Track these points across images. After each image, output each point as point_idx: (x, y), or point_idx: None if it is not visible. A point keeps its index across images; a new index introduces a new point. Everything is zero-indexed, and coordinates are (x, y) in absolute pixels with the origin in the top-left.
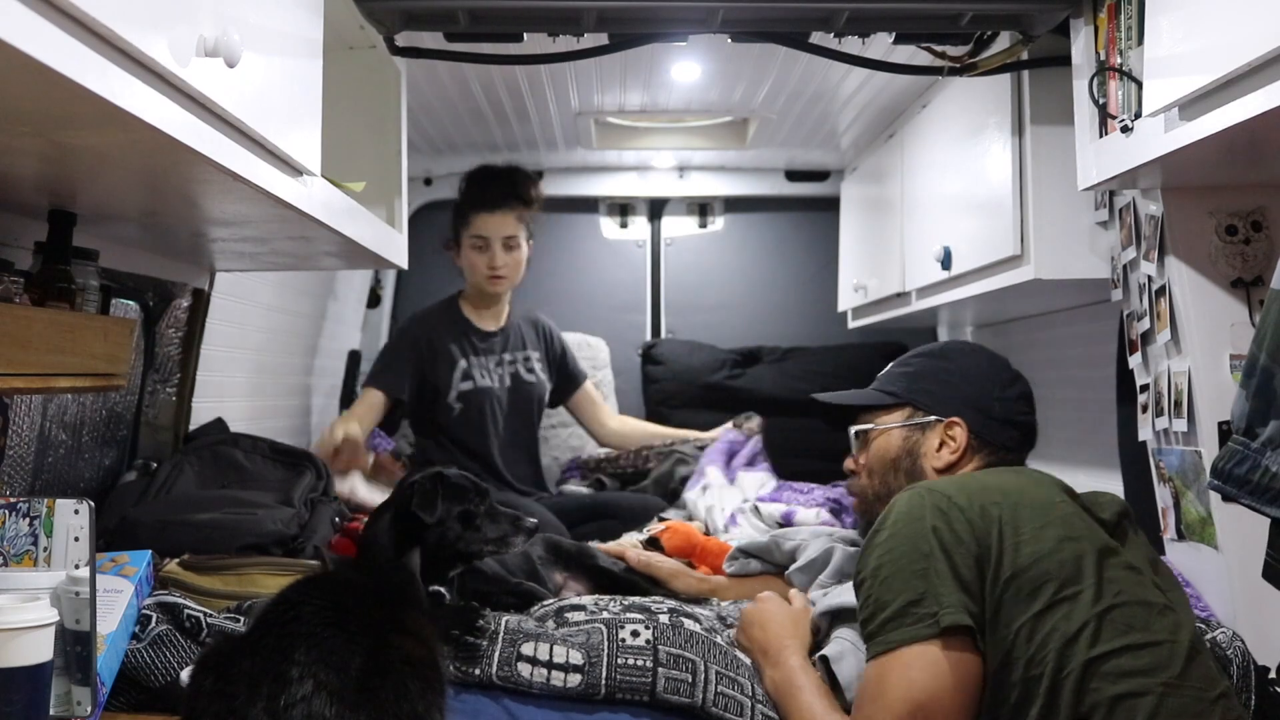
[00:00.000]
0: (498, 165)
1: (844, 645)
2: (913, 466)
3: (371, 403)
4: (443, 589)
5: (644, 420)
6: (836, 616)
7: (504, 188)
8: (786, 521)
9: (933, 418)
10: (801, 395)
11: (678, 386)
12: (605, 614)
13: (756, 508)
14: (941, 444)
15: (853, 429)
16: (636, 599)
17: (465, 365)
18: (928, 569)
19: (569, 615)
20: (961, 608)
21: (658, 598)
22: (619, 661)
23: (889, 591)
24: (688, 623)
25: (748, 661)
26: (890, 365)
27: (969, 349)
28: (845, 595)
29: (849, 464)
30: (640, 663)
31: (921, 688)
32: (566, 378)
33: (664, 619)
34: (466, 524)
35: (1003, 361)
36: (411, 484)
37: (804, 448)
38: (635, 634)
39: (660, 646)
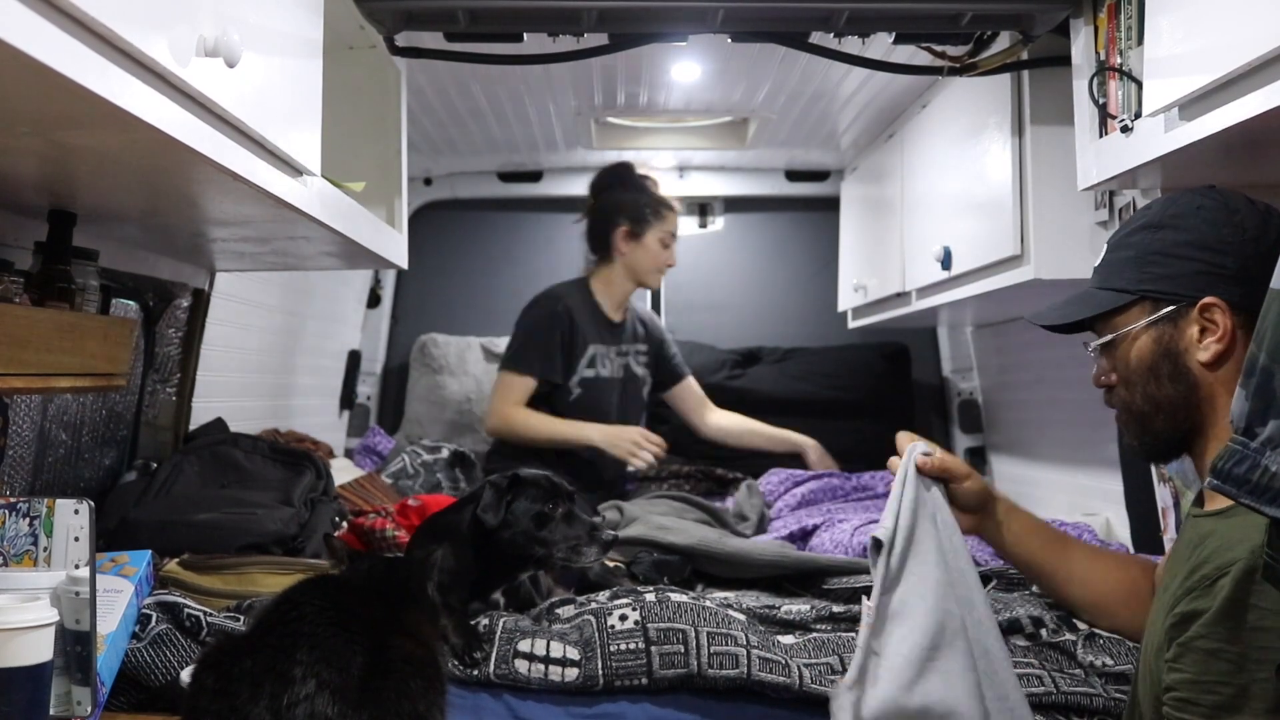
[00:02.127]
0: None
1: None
2: (1176, 369)
3: (529, 388)
4: (500, 596)
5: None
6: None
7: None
8: None
9: (1180, 304)
10: (802, 396)
11: None
12: (594, 604)
13: None
14: (1203, 331)
15: (1089, 346)
16: (620, 588)
17: (593, 352)
18: None
19: (559, 611)
20: None
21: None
22: (612, 649)
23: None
24: (675, 596)
25: (740, 617)
26: (1107, 251)
27: (1189, 202)
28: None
29: (1098, 378)
30: (633, 646)
31: None
32: (670, 371)
33: (650, 597)
34: (540, 527)
35: (1240, 201)
36: (486, 482)
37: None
38: (624, 617)
39: (650, 624)
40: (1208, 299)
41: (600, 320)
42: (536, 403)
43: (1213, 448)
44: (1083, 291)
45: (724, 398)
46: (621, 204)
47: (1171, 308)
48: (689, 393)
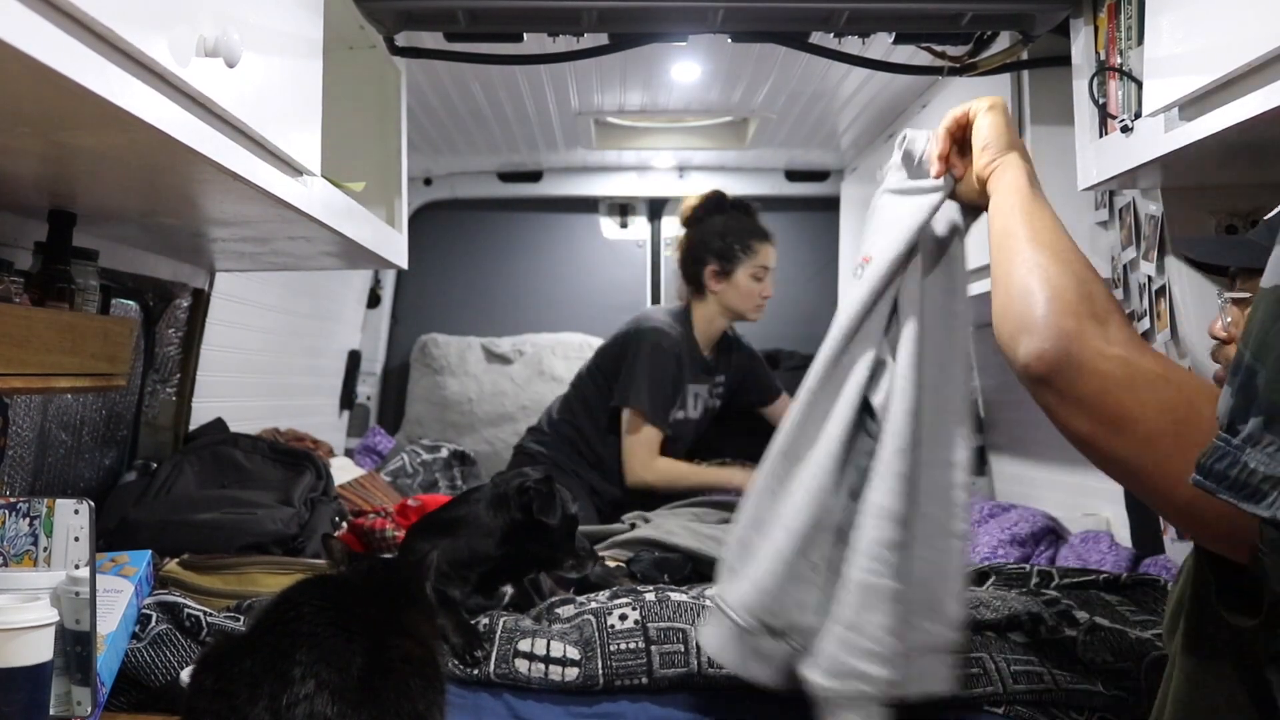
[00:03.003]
0: (735, 197)
1: None
2: None
3: (661, 436)
4: (509, 588)
5: None
6: None
7: (763, 223)
8: None
9: None
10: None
11: None
12: (593, 604)
13: None
14: None
15: (1224, 296)
16: (620, 588)
17: (689, 393)
18: None
19: (559, 611)
20: None
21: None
22: (612, 649)
23: None
24: (674, 595)
25: None
26: (1276, 213)
27: None
28: None
29: (1217, 329)
30: (633, 646)
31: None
32: (766, 388)
33: (650, 596)
34: (570, 533)
35: None
36: (525, 486)
37: None
38: (623, 617)
39: (650, 624)
40: None
41: (697, 358)
42: (609, 424)
43: None
44: (1245, 239)
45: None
46: (709, 239)
47: None
48: (783, 412)
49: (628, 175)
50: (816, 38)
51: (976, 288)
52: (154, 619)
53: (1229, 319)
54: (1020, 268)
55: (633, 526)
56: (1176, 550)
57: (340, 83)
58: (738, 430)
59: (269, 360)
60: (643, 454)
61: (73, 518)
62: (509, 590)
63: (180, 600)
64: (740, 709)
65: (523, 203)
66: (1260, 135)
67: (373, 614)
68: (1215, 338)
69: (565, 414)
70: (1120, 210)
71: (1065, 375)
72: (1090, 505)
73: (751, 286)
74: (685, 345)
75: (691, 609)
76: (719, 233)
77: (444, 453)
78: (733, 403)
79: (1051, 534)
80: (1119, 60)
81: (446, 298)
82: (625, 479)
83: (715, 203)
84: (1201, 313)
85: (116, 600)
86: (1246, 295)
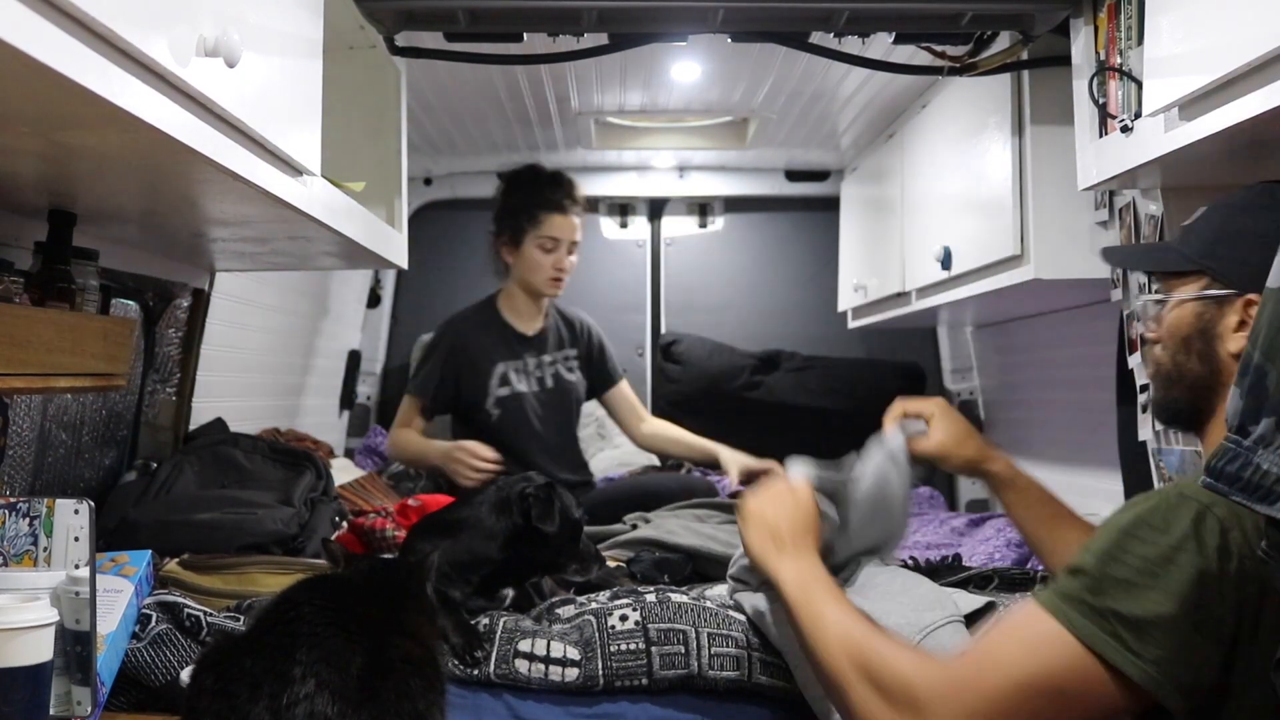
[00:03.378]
0: (552, 170)
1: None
2: (1206, 348)
3: (416, 409)
4: (510, 591)
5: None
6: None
7: (572, 193)
8: None
9: (1231, 291)
10: (818, 407)
11: (694, 390)
12: (594, 604)
13: None
14: (1241, 324)
15: (1142, 299)
16: (620, 589)
17: (503, 371)
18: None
19: (559, 611)
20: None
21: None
22: (612, 649)
23: (1119, 587)
24: (675, 596)
25: (741, 618)
26: (1203, 211)
27: (1263, 203)
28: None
29: (1148, 330)
30: (633, 647)
31: (1049, 680)
32: (604, 375)
33: (650, 597)
34: (575, 538)
35: None
36: (525, 493)
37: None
38: (624, 618)
39: (650, 625)
40: (1253, 295)
41: (509, 336)
42: (460, 423)
43: (1215, 436)
44: (1162, 244)
45: (740, 407)
46: (501, 214)
47: (1222, 291)
48: (621, 398)
49: (628, 175)
50: (816, 38)
51: (977, 288)
52: (154, 619)
53: (1152, 319)
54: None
55: (634, 527)
56: None
57: (340, 83)
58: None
59: (269, 360)
60: (395, 425)
61: (73, 518)
62: (510, 593)
63: (180, 600)
64: (741, 711)
65: None
66: (1260, 135)
67: (373, 614)
68: (1143, 338)
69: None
70: (1120, 210)
71: None
72: (1090, 505)
73: (540, 258)
74: (477, 326)
75: (692, 610)
76: (510, 206)
77: None
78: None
79: None
80: (1119, 60)
81: (446, 298)
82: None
83: (515, 175)
84: None
85: (116, 600)
86: (1161, 297)
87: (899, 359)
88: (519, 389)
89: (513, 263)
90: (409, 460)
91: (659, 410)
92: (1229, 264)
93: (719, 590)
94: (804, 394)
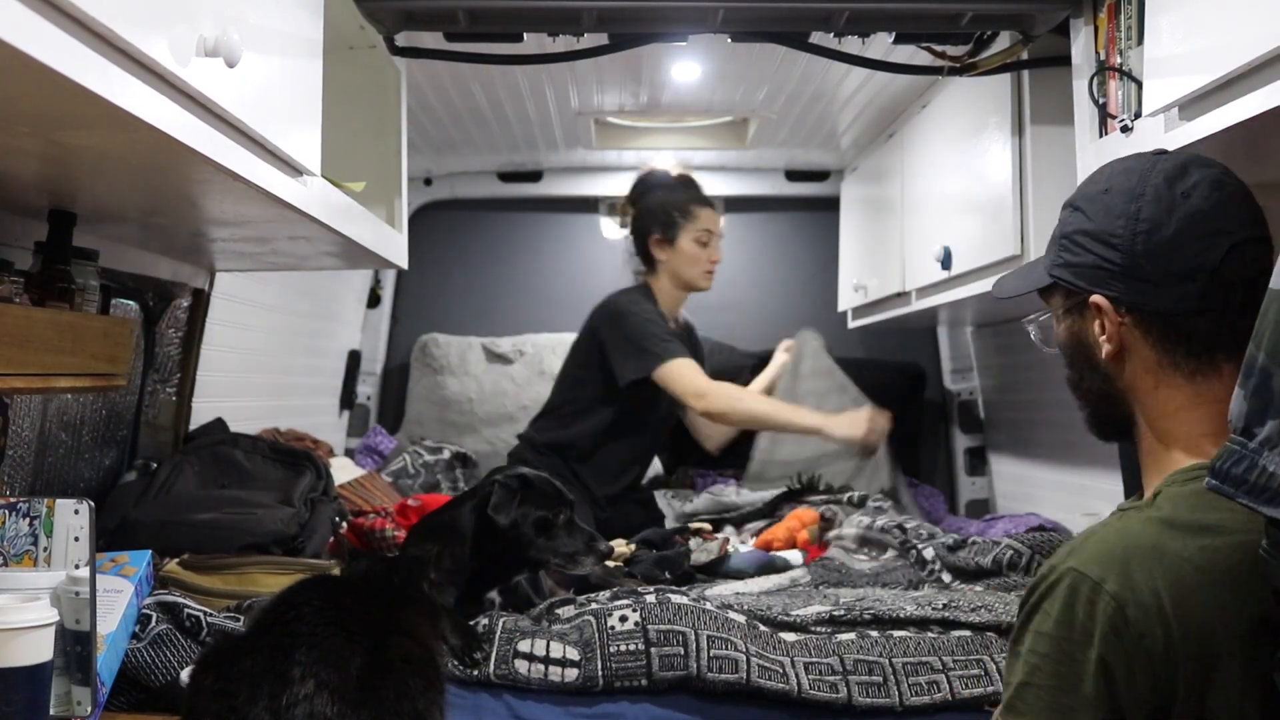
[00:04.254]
0: (684, 173)
1: None
2: (1090, 361)
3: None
4: (496, 596)
5: None
6: None
7: (705, 192)
8: None
9: (1081, 297)
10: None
11: None
12: (594, 605)
13: None
14: (1101, 328)
15: (1024, 320)
16: (623, 588)
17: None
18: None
19: (559, 611)
20: None
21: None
22: (612, 650)
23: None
24: (675, 597)
25: (740, 620)
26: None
27: (1106, 180)
28: None
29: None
30: (632, 647)
31: None
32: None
33: (650, 598)
34: (541, 532)
35: (1154, 181)
36: (493, 482)
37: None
38: (624, 619)
39: (650, 626)
40: (1094, 298)
41: (666, 326)
42: (601, 399)
43: (1145, 439)
44: (1034, 262)
45: None
46: (650, 211)
47: (1076, 299)
48: None
49: (628, 175)
50: (816, 38)
51: (977, 288)
52: (154, 619)
53: (1040, 339)
54: None
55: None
56: None
57: (340, 83)
58: None
59: (269, 360)
60: (697, 383)
61: (73, 518)
62: (496, 599)
63: (180, 600)
64: (740, 712)
65: (523, 203)
66: (1260, 135)
67: (372, 614)
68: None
69: (546, 427)
70: None
71: None
72: (1090, 505)
73: (697, 251)
74: (659, 314)
75: (692, 612)
76: (659, 203)
77: (446, 454)
78: None
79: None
80: (1119, 60)
81: (446, 298)
82: (700, 434)
83: (651, 176)
84: None
85: (116, 600)
86: (1042, 317)
87: (899, 359)
88: None
89: (665, 259)
90: (770, 423)
91: None
92: (1070, 269)
93: (719, 590)
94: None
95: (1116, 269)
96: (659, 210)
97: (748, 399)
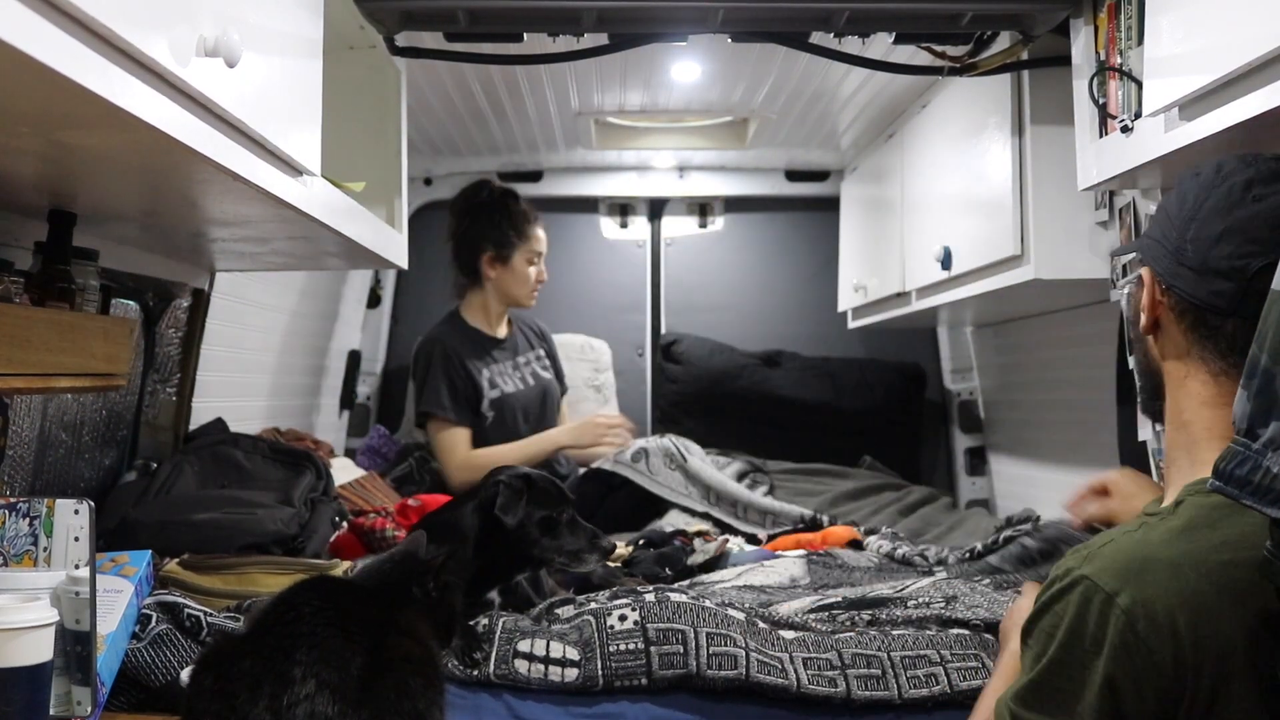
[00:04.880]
0: (501, 187)
1: None
2: (1136, 330)
3: (463, 428)
4: (496, 595)
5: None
6: None
7: (531, 208)
8: None
9: (1142, 270)
10: (822, 403)
11: (695, 391)
12: (593, 604)
13: None
14: (1152, 301)
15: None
16: (620, 588)
17: (489, 375)
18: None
19: (559, 611)
20: None
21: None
22: (611, 650)
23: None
24: (674, 595)
25: (740, 617)
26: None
27: (1213, 164)
28: None
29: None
30: (632, 647)
31: None
32: (559, 380)
33: (649, 597)
34: (546, 531)
35: (1247, 170)
36: (497, 482)
37: (819, 459)
38: (623, 618)
39: (649, 624)
40: (1144, 269)
41: (483, 342)
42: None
43: (1169, 429)
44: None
45: (742, 402)
46: (484, 229)
47: (1142, 271)
48: (564, 411)
49: (628, 175)
50: (816, 38)
51: (977, 288)
52: (154, 619)
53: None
54: None
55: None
56: None
57: (340, 83)
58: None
59: (269, 360)
60: (454, 459)
61: (73, 518)
62: (497, 598)
63: (180, 600)
64: (739, 711)
65: None
66: (1260, 135)
67: (372, 614)
68: None
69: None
70: (1120, 210)
71: None
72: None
73: (528, 271)
74: (457, 339)
75: (691, 610)
76: (494, 221)
77: None
78: None
79: None
80: (1119, 60)
81: (446, 298)
82: (449, 486)
83: (483, 191)
84: None
85: (116, 600)
86: (1121, 286)
87: (899, 359)
88: (506, 390)
89: (495, 276)
90: (529, 460)
91: (660, 410)
92: (1144, 243)
93: (719, 575)
94: (805, 393)
95: (1169, 248)
96: (492, 228)
97: (483, 460)
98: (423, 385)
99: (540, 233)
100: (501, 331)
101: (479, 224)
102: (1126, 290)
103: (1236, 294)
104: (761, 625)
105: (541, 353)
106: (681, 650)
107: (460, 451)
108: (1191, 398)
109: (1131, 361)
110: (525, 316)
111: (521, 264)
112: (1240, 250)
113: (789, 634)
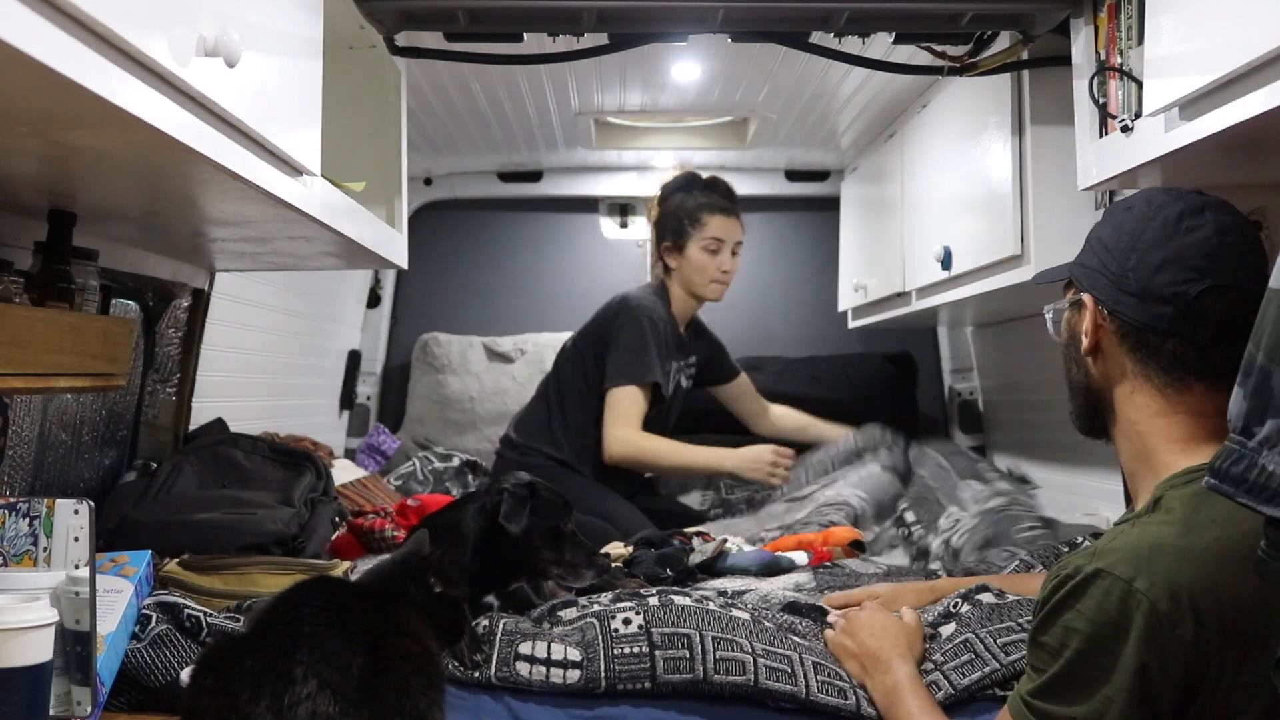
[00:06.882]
0: (712, 175)
1: None
2: (1077, 356)
3: (646, 399)
4: (494, 599)
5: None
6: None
7: (729, 194)
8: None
9: (1081, 295)
10: (813, 396)
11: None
12: (596, 606)
13: None
14: (1094, 326)
15: (1045, 311)
16: (625, 590)
17: (668, 369)
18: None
19: (561, 613)
20: None
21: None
22: (615, 652)
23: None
24: (678, 599)
25: (745, 617)
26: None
27: (1133, 200)
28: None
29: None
30: (636, 650)
31: None
32: (725, 368)
33: (654, 600)
34: (546, 542)
35: (1176, 204)
36: (502, 489)
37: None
38: (627, 621)
39: (654, 629)
40: (1086, 295)
41: (675, 335)
42: (589, 408)
43: (1123, 441)
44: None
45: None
46: (665, 216)
47: (1079, 296)
48: (742, 390)
49: (628, 175)
50: (816, 38)
51: (977, 288)
52: (154, 619)
53: (1052, 327)
54: None
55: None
56: None
57: (340, 83)
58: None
59: (269, 360)
60: (619, 427)
61: (73, 518)
62: (495, 602)
63: (180, 600)
64: (747, 716)
65: (523, 203)
66: (1260, 135)
67: (373, 613)
68: None
69: (541, 415)
70: None
71: None
72: (1090, 505)
73: (704, 260)
74: (665, 316)
75: (696, 613)
76: (674, 208)
77: (456, 461)
78: (696, 382)
79: None
80: (1119, 60)
81: (446, 297)
82: (604, 453)
83: (680, 181)
84: None
85: (116, 600)
86: (1060, 304)
87: (889, 351)
88: (665, 392)
89: (676, 265)
90: (671, 469)
91: None
92: (1081, 270)
93: (723, 584)
94: (795, 385)
95: (1110, 276)
96: (671, 216)
97: (647, 445)
98: (629, 347)
99: (720, 219)
100: (684, 329)
101: (664, 212)
102: (1052, 315)
103: (1176, 317)
104: (768, 625)
105: (692, 359)
106: (688, 655)
107: (634, 425)
108: (1141, 410)
109: (1066, 383)
110: (698, 320)
111: (697, 252)
112: (1179, 277)
113: (795, 637)
